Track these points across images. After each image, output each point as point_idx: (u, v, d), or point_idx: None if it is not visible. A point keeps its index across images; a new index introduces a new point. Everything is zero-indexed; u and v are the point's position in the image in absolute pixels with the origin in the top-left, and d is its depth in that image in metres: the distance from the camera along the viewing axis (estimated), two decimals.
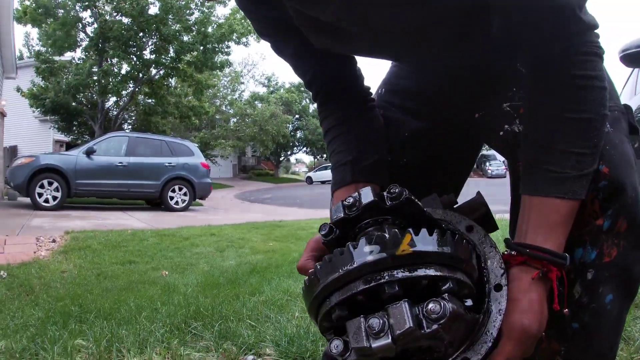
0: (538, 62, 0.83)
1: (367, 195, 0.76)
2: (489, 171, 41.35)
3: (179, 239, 6.80)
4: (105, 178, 12.06)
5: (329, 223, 0.81)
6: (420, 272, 0.65)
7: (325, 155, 50.22)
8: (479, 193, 0.93)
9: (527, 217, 0.81)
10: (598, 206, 0.83)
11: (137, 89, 21.87)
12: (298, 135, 49.00)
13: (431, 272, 0.65)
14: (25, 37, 26.60)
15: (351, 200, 0.77)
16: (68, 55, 21.06)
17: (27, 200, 11.64)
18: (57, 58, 20.49)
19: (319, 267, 0.70)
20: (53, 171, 11.39)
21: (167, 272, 4.37)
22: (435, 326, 0.61)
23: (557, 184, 0.78)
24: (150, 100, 23.06)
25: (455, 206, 0.91)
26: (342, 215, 0.77)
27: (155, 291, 3.34)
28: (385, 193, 0.77)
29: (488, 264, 0.77)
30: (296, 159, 71.29)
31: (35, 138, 26.98)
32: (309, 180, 41.06)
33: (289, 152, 51.56)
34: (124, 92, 21.58)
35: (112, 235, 6.95)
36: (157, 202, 13.40)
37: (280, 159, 50.35)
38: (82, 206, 12.95)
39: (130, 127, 25.14)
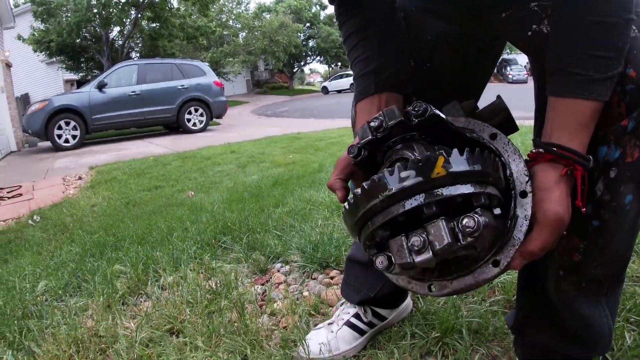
0: None
1: (392, 115, 0.78)
2: (510, 76, 39.87)
3: (201, 160, 6.91)
4: (120, 109, 12.08)
5: (357, 144, 0.83)
6: (455, 191, 0.68)
7: (340, 64, 49.24)
8: (499, 97, 0.93)
9: (553, 118, 0.82)
10: (624, 108, 0.84)
11: (139, 15, 21.35)
12: (310, 44, 47.76)
13: (465, 190, 0.69)
14: None
15: (377, 122, 0.79)
16: None
17: (48, 143, 11.82)
18: None
19: (358, 193, 0.72)
20: (68, 111, 11.44)
21: (192, 193, 4.48)
22: (470, 239, 0.66)
23: (582, 85, 0.78)
24: (154, 25, 22.55)
25: (476, 112, 0.91)
26: (370, 137, 0.80)
27: (184, 212, 3.46)
28: (410, 110, 0.78)
29: (513, 171, 0.80)
30: (310, 69, 70.21)
31: (45, 82, 26.79)
32: (325, 90, 40.52)
33: (302, 63, 50.58)
34: (126, 21, 21.10)
35: (135, 164, 7.08)
36: (175, 126, 13.46)
37: (294, 71, 49.53)
38: (102, 140, 13.11)
39: (138, 55, 24.82)
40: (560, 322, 1.03)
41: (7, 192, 6.02)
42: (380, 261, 0.73)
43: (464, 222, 0.66)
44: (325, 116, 16.54)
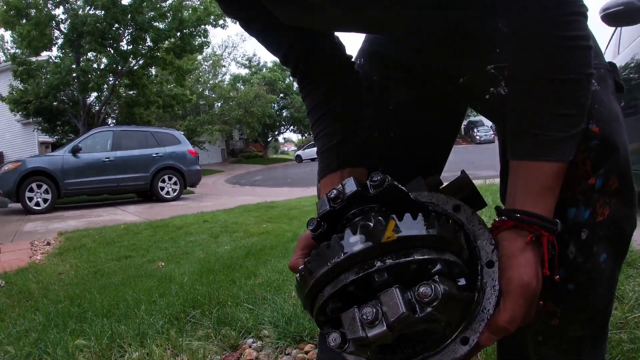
0: (522, 24, 0.81)
1: (350, 185, 0.76)
2: (477, 137, 41.43)
3: (173, 229, 6.81)
4: (93, 175, 12.00)
5: (315, 218, 0.81)
6: (408, 257, 0.65)
7: None
8: (463, 172, 0.90)
9: (516, 182, 0.80)
10: (590, 166, 0.82)
11: (117, 82, 21.62)
12: (284, 114, 48.83)
13: (418, 256, 0.65)
14: None
15: (335, 192, 0.78)
16: (44, 55, 20.79)
17: (18, 205, 11.56)
18: (33, 59, 20.23)
19: (308, 262, 0.70)
20: (41, 173, 11.32)
21: (163, 263, 4.38)
22: (429, 309, 0.61)
23: (544, 147, 0.77)
24: (132, 92, 22.83)
25: (441, 187, 0.89)
26: (328, 208, 0.78)
27: (153, 283, 3.36)
28: (368, 181, 0.76)
29: (478, 242, 0.77)
30: (284, 138, 71.17)
31: (20, 142, 26.75)
32: (299, 159, 41.09)
33: (276, 132, 51.44)
34: (104, 87, 21.34)
35: (106, 232, 6.95)
36: (148, 194, 13.37)
37: (268, 140, 50.26)
38: (73, 205, 12.90)
39: (114, 121, 24.95)
40: None
41: None
42: (333, 338, 0.68)
43: (420, 290, 0.62)
44: (299, 184, 16.61)
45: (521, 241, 0.75)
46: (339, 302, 0.68)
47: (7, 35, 22.54)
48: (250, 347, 2.05)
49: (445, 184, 0.90)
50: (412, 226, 0.66)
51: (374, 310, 0.62)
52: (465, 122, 47.87)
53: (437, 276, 0.64)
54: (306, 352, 1.94)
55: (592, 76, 0.78)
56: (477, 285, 0.73)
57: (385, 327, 0.61)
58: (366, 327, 0.62)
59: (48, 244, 6.43)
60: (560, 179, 0.78)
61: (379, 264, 0.64)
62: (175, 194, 13.12)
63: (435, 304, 0.61)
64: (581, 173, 0.83)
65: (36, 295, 3.48)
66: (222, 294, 2.71)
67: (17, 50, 20.68)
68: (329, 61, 1.09)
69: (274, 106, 45.02)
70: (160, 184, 12.90)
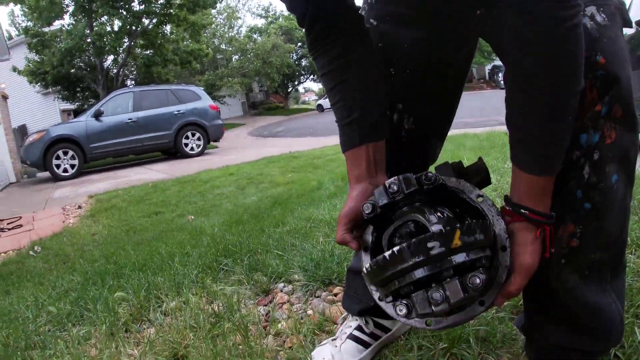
0: (521, 40, 0.84)
1: (409, 183, 0.91)
2: (502, 82, 40.48)
3: (200, 183, 6.91)
4: (117, 137, 12.10)
5: (372, 203, 0.94)
6: (467, 257, 0.83)
7: None
8: (480, 159, 1.05)
9: (519, 183, 0.92)
10: (596, 93, 0.90)
11: (132, 43, 21.51)
12: (303, 63, 48.05)
13: (473, 255, 0.83)
14: (9, 17, 25.90)
15: (395, 187, 0.91)
16: (57, 24, 20.61)
17: (47, 174, 11.80)
18: (46, 29, 20.09)
19: (388, 258, 0.83)
20: (66, 141, 11.46)
21: (192, 217, 4.47)
22: (474, 292, 0.81)
23: (539, 162, 0.88)
24: (148, 52, 22.72)
25: (463, 169, 1.03)
26: (386, 201, 0.92)
27: (184, 236, 3.44)
28: (423, 179, 0.91)
29: (495, 230, 0.92)
30: (304, 88, 70.37)
31: (42, 113, 26.91)
32: (320, 108, 40.69)
33: (296, 82, 50.93)
34: (120, 49, 21.26)
35: (135, 191, 7.08)
36: (172, 151, 13.48)
37: (289, 91, 49.81)
38: (100, 169, 13.10)
39: (133, 82, 24.97)
40: (569, 315, 1.03)
41: (8, 224, 6.01)
42: (399, 309, 0.86)
43: (471, 280, 0.81)
44: (321, 134, 16.56)
45: (532, 234, 0.90)
46: (412, 286, 0.85)
47: (17, 9, 22.41)
48: (281, 291, 2.12)
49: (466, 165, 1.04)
50: (470, 233, 0.82)
51: (441, 294, 0.81)
52: (489, 67, 46.70)
53: (481, 268, 0.84)
54: (335, 294, 1.98)
55: (580, 92, 0.85)
56: (494, 264, 0.92)
57: (448, 306, 0.81)
58: (432, 305, 0.81)
59: (79, 207, 6.58)
60: (553, 182, 0.90)
61: (448, 264, 0.82)
62: (199, 149, 13.19)
63: (479, 288, 0.80)
64: (589, 101, 0.90)
65: (72, 258, 3.60)
66: (252, 242, 2.77)
67: (28, 23, 20.54)
68: (346, 15, 1.09)
69: (293, 56, 44.43)
70: (184, 141, 12.97)
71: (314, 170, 6.61)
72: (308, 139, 15.71)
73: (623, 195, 0.96)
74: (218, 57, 37.32)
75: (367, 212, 0.94)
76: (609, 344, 1.09)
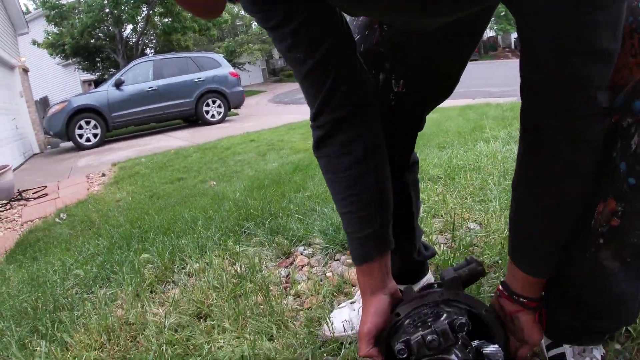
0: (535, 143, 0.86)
1: (447, 338, 0.90)
2: None
3: (221, 150, 6.96)
4: (138, 105, 12.19)
5: (407, 347, 0.92)
6: None
7: None
8: (476, 262, 1.08)
9: (516, 277, 0.99)
10: (637, 40, 0.80)
11: (151, 11, 21.45)
12: None
13: None
14: None
15: (435, 344, 0.90)
16: None
17: (70, 144, 12.01)
18: (63, 1, 20.11)
19: None
20: (88, 110, 11.58)
21: (214, 183, 4.53)
22: None
23: (534, 270, 0.95)
24: (166, 20, 22.65)
25: (463, 275, 1.06)
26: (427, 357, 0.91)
27: (207, 201, 3.49)
28: (456, 327, 0.92)
29: (495, 340, 0.99)
30: None
31: (62, 84, 27.06)
32: None
33: None
34: (138, 18, 21.22)
35: (157, 158, 7.16)
36: (193, 119, 13.56)
37: None
38: (122, 137, 13.26)
39: (152, 51, 24.94)
40: (591, 305, 1.00)
41: (33, 193, 6.15)
42: None
43: None
44: None
45: (531, 317, 0.99)
46: None
47: None
48: (301, 253, 2.15)
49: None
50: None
51: None
52: (515, 35, 45.05)
53: None
54: None
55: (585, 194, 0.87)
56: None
57: None
58: None
59: (103, 175, 6.69)
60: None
61: None
62: (220, 116, 13.23)
63: None
64: (630, 51, 0.80)
65: (97, 223, 3.67)
66: (273, 206, 2.81)
67: None
68: (365, 94, 1.01)
69: None
70: (204, 108, 13.01)
71: None
72: None
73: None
74: (237, 23, 37.01)
75: (401, 356, 0.92)
76: (621, 325, 1.11)
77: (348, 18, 1.07)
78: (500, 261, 1.63)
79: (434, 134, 4.73)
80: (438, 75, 1.15)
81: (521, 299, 0.99)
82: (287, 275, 1.94)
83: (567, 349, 1.12)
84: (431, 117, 6.07)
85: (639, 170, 0.81)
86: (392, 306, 1.01)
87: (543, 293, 1.01)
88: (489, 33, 43.04)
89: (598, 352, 1.11)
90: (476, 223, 2.14)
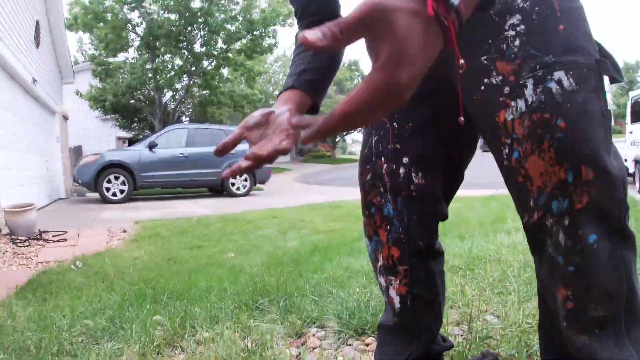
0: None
1: None
2: None
3: (243, 223, 7.00)
4: (168, 169, 12.47)
5: None
6: None
7: None
8: (492, 355, 1.19)
9: None
10: (554, 154, 0.93)
11: (191, 82, 22.34)
12: None
13: None
14: (78, 43, 27.39)
15: None
16: (121, 56, 21.69)
17: (96, 195, 12.23)
18: (111, 60, 21.17)
19: None
20: (119, 166, 11.91)
21: (232, 254, 4.54)
22: None
23: None
24: (204, 92, 23.52)
25: None
26: None
27: (223, 272, 3.50)
28: None
29: None
30: (352, 139, 70.69)
31: (98, 136, 27.99)
32: None
33: (344, 133, 51.40)
34: (179, 86, 22.14)
35: (179, 222, 7.22)
36: (219, 189, 13.75)
37: (336, 140, 50.27)
38: (148, 197, 13.47)
39: (187, 119, 25.74)
40: None
41: (53, 236, 6.21)
42: None
43: None
44: None
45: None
46: None
47: (85, 37, 23.73)
48: (314, 335, 2.12)
49: None
50: None
51: None
52: None
53: None
54: (367, 344, 1.97)
55: None
56: None
57: None
58: None
59: (124, 231, 6.74)
60: None
61: None
62: (245, 189, 13.40)
63: None
64: (549, 162, 0.93)
65: (112, 277, 3.69)
66: (289, 285, 2.80)
67: (95, 52, 21.70)
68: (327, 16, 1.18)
69: None
70: (231, 180, 13.20)
71: (356, 221, 6.60)
72: (353, 189, 15.70)
73: (610, 251, 0.95)
74: (271, 102, 38.13)
75: None
76: None
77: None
78: (516, 354, 1.59)
79: (455, 224, 4.72)
80: (451, 165, 1.26)
81: None
82: (298, 356, 1.91)
83: None
84: (453, 207, 6.08)
85: (572, 259, 0.95)
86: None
87: None
88: None
89: None
90: (494, 315, 2.10)
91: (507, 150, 1.00)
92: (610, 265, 0.96)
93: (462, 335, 1.88)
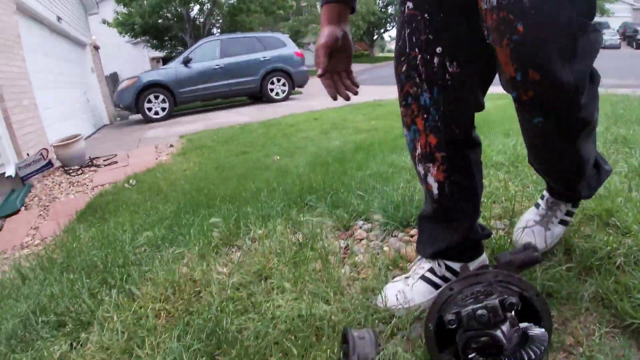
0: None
1: (496, 315, 0.99)
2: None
3: (285, 127, 7.06)
4: (205, 82, 12.48)
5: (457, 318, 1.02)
6: None
7: None
8: (533, 248, 1.16)
9: None
10: (509, 53, 1.03)
11: None
12: (389, 11, 46.79)
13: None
14: None
15: (485, 319, 0.98)
16: None
17: (138, 116, 12.47)
18: None
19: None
20: (157, 86, 11.99)
21: (278, 157, 4.62)
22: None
23: None
24: (232, 1, 22.96)
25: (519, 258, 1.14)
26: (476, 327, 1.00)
27: (270, 174, 3.59)
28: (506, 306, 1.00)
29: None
30: (390, 37, 68.41)
31: (132, 60, 28.03)
32: None
33: (382, 30, 49.81)
34: None
35: (223, 132, 7.34)
36: (258, 96, 13.76)
37: (374, 38, 48.90)
38: (189, 111, 13.62)
39: (218, 31, 25.36)
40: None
41: (104, 160, 6.44)
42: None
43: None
44: None
45: None
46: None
47: None
48: (360, 227, 2.20)
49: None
50: None
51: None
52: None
53: None
54: (411, 236, 2.03)
55: None
56: None
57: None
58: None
59: (171, 146, 6.91)
60: None
61: None
62: (284, 94, 13.38)
63: None
64: (504, 60, 1.05)
65: (165, 190, 3.83)
66: (335, 182, 2.86)
67: None
68: None
69: (379, 2, 43.44)
70: (269, 86, 13.18)
71: (397, 119, 6.48)
72: (393, 87, 15.46)
73: (553, 140, 1.24)
74: (302, 4, 37.08)
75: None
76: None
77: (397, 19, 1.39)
78: (555, 251, 1.62)
79: (499, 121, 4.66)
80: (486, 54, 1.23)
81: None
82: (346, 247, 2.00)
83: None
84: (499, 104, 5.98)
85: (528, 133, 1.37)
86: (342, 33, 1.34)
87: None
88: None
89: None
90: None
91: (486, 33, 1.11)
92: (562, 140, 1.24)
93: (503, 229, 1.91)
